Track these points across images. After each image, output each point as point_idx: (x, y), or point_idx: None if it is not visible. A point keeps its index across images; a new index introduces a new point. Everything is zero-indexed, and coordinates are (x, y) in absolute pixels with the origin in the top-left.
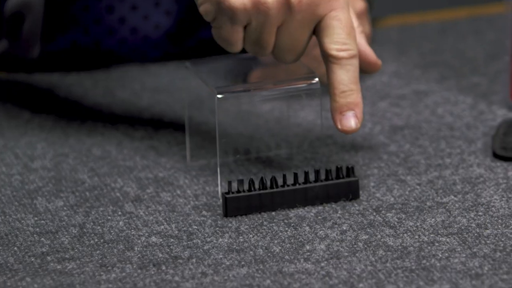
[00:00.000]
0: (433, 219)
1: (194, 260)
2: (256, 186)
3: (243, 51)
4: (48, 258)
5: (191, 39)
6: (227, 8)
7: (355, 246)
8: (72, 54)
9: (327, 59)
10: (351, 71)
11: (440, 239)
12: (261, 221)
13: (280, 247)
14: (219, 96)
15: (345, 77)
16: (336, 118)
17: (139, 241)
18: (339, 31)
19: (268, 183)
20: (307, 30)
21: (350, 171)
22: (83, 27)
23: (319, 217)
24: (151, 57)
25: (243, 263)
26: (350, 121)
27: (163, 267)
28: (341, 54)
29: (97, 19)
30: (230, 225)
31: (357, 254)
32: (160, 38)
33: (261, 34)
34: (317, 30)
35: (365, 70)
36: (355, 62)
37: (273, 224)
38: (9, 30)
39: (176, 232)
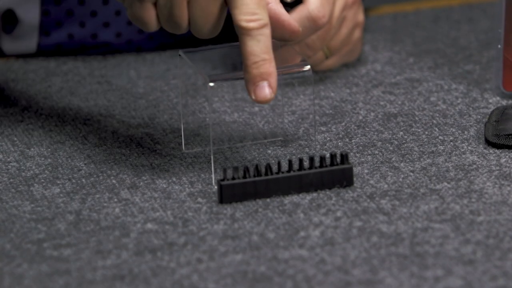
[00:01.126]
0: (426, 206)
1: (189, 246)
2: (251, 173)
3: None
4: (45, 244)
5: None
6: None
7: (349, 232)
8: (69, 47)
9: (238, 30)
10: (262, 41)
11: (434, 225)
12: (256, 208)
13: (274, 234)
14: (211, 84)
15: (257, 48)
16: (250, 89)
17: (134, 228)
18: (248, 1)
19: (263, 170)
20: (217, 2)
21: (344, 158)
22: (79, 20)
23: (314, 204)
24: (146, 48)
25: (238, 249)
26: (264, 91)
27: (159, 254)
28: (251, 24)
29: (93, 12)
30: (225, 212)
31: (351, 241)
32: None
33: (171, 10)
34: (227, 0)
35: (284, 38)
36: (266, 32)
37: (268, 211)
38: (4, 24)
39: (172, 218)
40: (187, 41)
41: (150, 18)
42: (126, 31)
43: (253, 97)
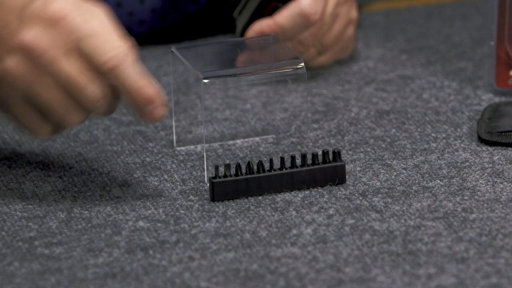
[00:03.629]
0: (419, 204)
1: (181, 244)
2: (243, 170)
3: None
4: (36, 242)
5: (176, 13)
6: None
7: (342, 230)
8: None
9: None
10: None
11: (426, 223)
12: (248, 205)
13: (267, 232)
14: (205, 80)
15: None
16: (141, 116)
17: (126, 226)
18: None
19: (255, 168)
20: (70, 60)
21: (336, 155)
22: None
23: (306, 202)
24: (136, 33)
25: (230, 247)
26: (158, 111)
27: (151, 252)
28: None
29: None
30: (217, 209)
31: (343, 239)
32: (145, 13)
33: (38, 97)
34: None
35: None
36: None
37: (260, 209)
38: None
39: (164, 216)
40: (178, 26)
41: (31, 120)
42: (115, 14)
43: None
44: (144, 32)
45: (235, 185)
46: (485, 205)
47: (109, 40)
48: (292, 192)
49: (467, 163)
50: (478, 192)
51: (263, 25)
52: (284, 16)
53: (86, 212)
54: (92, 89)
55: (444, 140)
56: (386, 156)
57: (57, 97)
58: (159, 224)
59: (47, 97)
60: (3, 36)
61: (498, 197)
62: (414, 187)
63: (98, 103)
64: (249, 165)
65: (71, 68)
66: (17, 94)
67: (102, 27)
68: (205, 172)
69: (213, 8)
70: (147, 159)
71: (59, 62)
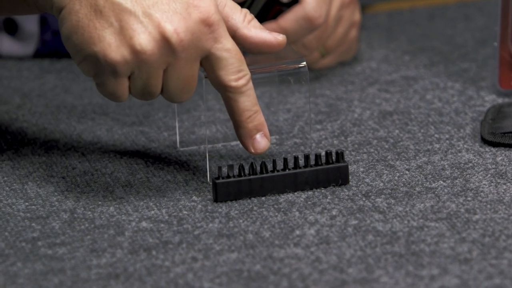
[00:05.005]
0: (422, 204)
1: (184, 245)
2: (246, 171)
3: None
4: (39, 243)
5: None
6: (107, 63)
7: (345, 231)
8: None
9: (226, 90)
10: (251, 95)
11: (429, 224)
12: (251, 206)
13: (270, 232)
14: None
15: (249, 103)
16: (248, 143)
17: (129, 226)
18: (232, 60)
19: (258, 168)
20: (194, 66)
21: (339, 156)
22: None
23: (309, 202)
24: None
25: (233, 248)
26: (262, 143)
27: (154, 252)
28: (241, 82)
29: None
30: (220, 210)
31: (346, 239)
32: None
33: (147, 81)
34: (206, 63)
35: (264, 53)
36: (251, 84)
37: (263, 209)
38: (6, 26)
39: (167, 217)
40: None
41: (124, 91)
42: None
43: (253, 150)
44: None
45: (238, 185)
46: (488, 206)
47: (241, 62)
48: (295, 193)
49: (470, 164)
50: (481, 193)
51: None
52: (288, 20)
53: (89, 212)
54: (191, 94)
55: (447, 141)
56: (389, 157)
57: (160, 86)
58: (162, 225)
59: (154, 83)
60: (143, 9)
61: (501, 198)
62: (417, 188)
63: (178, 102)
64: (252, 165)
65: (193, 72)
66: (129, 70)
67: (235, 48)
68: (208, 173)
69: None
70: (150, 159)
71: (190, 63)
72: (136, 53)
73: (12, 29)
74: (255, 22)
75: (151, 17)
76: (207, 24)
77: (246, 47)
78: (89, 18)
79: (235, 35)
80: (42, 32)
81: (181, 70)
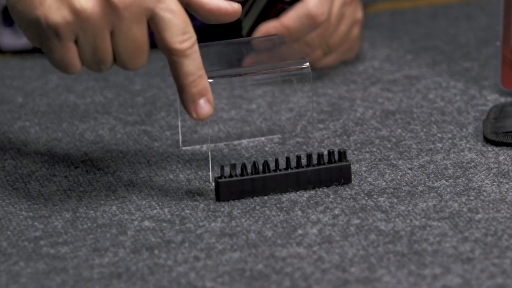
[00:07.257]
0: (424, 204)
1: (186, 244)
2: (249, 170)
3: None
4: (41, 242)
5: None
6: (49, 26)
7: (347, 230)
8: None
9: (170, 52)
10: (196, 58)
11: (432, 223)
12: (253, 205)
13: (272, 232)
14: (210, 80)
15: (193, 66)
16: (191, 108)
17: (132, 226)
18: (176, 22)
19: (261, 168)
20: (141, 26)
21: (342, 155)
22: None
23: (311, 202)
24: None
25: (235, 247)
26: (205, 108)
27: (156, 251)
28: (185, 45)
29: None
30: (222, 209)
31: (349, 239)
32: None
33: (94, 45)
34: (152, 24)
35: (224, 20)
36: (196, 47)
37: (266, 209)
38: (5, 19)
39: (169, 216)
40: None
41: (73, 58)
42: None
43: (195, 115)
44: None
45: (241, 185)
46: (491, 205)
47: (186, 24)
48: (298, 192)
49: (473, 163)
50: (484, 192)
51: (269, 26)
52: (290, 18)
53: (92, 212)
54: (144, 59)
55: (449, 140)
56: (391, 156)
57: (109, 50)
58: (164, 224)
59: (103, 47)
60: None
61: (503, 197)
62: (419, 187)
63: (133, 70)
64: (254, 165)
65: (141, 33)
66: (72, 32)
67: (180, 9)
68: (211, 172)
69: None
70: (153, 159)
71: (135, 22)
72: (76, 12)
73: (10, 19)
74: None
75: None
76: None
77: (202, 16)
78: None
79: (189, 3)
80: None
81: (128, 31)
